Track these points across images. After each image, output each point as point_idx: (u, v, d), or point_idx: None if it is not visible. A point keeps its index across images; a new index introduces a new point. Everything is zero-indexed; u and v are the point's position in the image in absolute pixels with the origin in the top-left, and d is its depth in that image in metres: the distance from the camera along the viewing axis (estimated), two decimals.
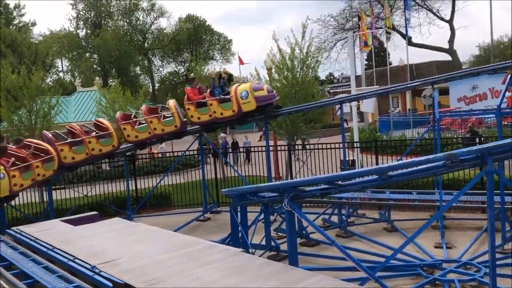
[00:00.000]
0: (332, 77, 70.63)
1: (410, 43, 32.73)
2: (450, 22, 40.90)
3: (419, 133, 22.11)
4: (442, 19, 41.70)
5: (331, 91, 47.20)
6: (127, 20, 61.80)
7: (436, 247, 9.49)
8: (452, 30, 40.65)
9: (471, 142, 14.30)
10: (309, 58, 17.35)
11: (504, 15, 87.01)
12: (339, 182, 5.89)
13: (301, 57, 17.15)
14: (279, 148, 17.57)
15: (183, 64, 64.96)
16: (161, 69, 67.28)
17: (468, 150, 4.74)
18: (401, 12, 35.14)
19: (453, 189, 11.36)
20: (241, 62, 36.75)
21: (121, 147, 13.03)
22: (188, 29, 63.19)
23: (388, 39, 26.76)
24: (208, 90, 12.65)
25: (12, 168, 10.26)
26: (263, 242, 9.19)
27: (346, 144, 14.31)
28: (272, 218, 11.17)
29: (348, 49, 20.74)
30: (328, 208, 12.07)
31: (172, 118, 12.56)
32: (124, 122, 12.68)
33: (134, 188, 15.25)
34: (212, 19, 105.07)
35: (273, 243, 9.36)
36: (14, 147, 10.87)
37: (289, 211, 5.92)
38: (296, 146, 16.14)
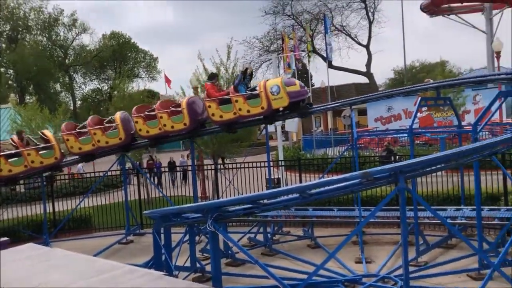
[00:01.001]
0: None
1: (330, 66, 34.26)
2: (367, 47, 43.42)
3: (340, 151, 23.00)
4: (360, 44, 44.21)
5: None
6: (47, 35, 59.14)
7: (356, 262, 9.82)
8: (369, 54, 43.14)
9: (387, 160, 15.10)
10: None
11: (415, 41, 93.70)
12: (262, 201, 5.96)
13: (227, 77, 17.32)
14: (206, 167, 17.48)
15: (106, 81, 63.12)
16: (83, 86, 64.91)
17: (381, 168, 5.00)
18: (322, 36, 36.78)
19: (372, 205, 11.88)
20: (167, 81, 36.33)
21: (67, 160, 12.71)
22: (112, 46, 61.65)
23: (309, 62, 27.89)
24: (232, 86, 11.54)
25: None
26: (188, 264, 9.03)
27: (271, 162, 14.56)
28: (198, 238, 11.03)
29: (273, 71, 21.23)
30: (254, 227, 12.14)
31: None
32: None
33: (51, 210, 14.41)
34: (138, 37, 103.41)
35: (198, 265, 9.22)
36: None
37: (212, 232, 5.88)
38: (223, 165, 16.17)
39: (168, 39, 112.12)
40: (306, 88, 11.72)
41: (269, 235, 11.65)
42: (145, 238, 13.49)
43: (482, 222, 9.14)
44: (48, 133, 12.61)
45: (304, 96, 11.28)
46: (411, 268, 8.68)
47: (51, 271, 5.71)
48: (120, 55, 62.25)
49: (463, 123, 14.49)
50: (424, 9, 36.08)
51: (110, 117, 12.82)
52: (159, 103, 12.24)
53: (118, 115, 12.39)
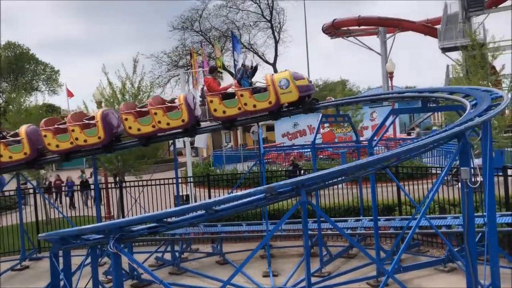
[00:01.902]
0: None
1: (239, 82, 34.76)
2: (273, 65, 44.80)
3: (249, 166, 23.33)
4: (267, 62, 45.47)
5: None
6: None
7: (264, 276, 9.96)
8: (276, 72, 44.46)
9: (293, 174, 15.59)
10: (141, 93, 17.18)
11: (318, 61, 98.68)
12: (168, 220, 5.84)
13: (133, 91, 16.90)
14: (110, 185, 16.80)
15: (0, 94, 58.51)
16: None
17: (284, 183, 5.15)
18: (231, 53, 37.32)
19: (279, 218, 12.12)
20: (69, 95, 34.53)
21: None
22: (8, 57, 57.44)
23: (218, 77, 28.17)
24: (235, 80, 10.70)
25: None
26: None
27: (179, 179, 14.34)
28: (100, 260, 10.52)
29: (181, 86, 21.08)
30: (162, 245, 11.85)
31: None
32: (126, 112, 10.88)
33: None
34: (39, 49, 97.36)
35: None
36: None
37: (114, 253, 5.64)
38: (128, 183, 15.62)
39: (72, 51, 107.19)
40: (312, 83, 11.12)
41: (177, 253, 11.43)
42: (42, 263, 12.57)
43: (379, 231, 9.74)
44: (22, 128, 11.72)
45: (312, 91, 10.77)
46: (315, 279, 9.03)
47: None
48: (17, 67, 58.13)
49: (361, 138, 15.44)
50: (325, 31, 38.18)
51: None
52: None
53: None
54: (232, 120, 10.83)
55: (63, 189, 22.38)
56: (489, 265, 6.04)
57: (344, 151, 15.90)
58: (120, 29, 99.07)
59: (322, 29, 39.72)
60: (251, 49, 45.03)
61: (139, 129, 10.75)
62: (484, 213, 6.11)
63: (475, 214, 6.19)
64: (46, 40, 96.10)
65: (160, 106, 10.59)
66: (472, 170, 5.71)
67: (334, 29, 37.21)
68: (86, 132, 10.94)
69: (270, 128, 38.72)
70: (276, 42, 44.29)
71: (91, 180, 21.90)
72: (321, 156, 25.72)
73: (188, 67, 35.95)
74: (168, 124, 10.57)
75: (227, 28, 43.72)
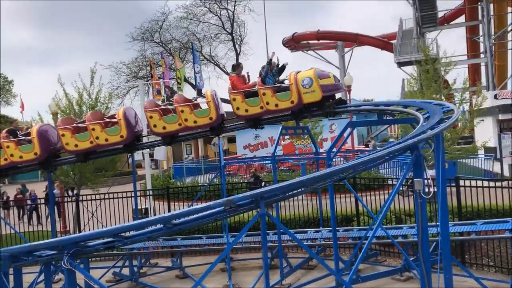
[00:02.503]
0: None
1: (200, 94, 34.62)
2: None
3: (210, 178, 23.19)
4: (228, 74, 45.50)
5: None
6: None
7: None
8: None
9: (254, 186, 15.61)
10: (99, 104, 16.85)
11: None
12: (125, 234, 5.71)
13: (90, 102, 16.56)
14: (66, 199, 16.30)
15: None
16: None
17: (243, 195, 5.14)
18: (191, 65, 37.22)
19: (240, 231, 12.10)
20: (22, 107, 33.47)
21: None
22: None
23: (179, 89, 27.99)
24: (259, 78, 10.00)
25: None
26: None
27: (138, 192, 14.09)
28: (54, 276, 10.16)
29: (140, 97, 20.81)
30: (119, 260, 11.57)
31: (206, 108, 10.33)
32: (151, 109, 10.28)
33: None
34: None
35: None
36: None
37: (68, 270, 5.46)
38: (85, 197, 15.20)
39: (28, 61, 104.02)
40: (340, 82, 10.37)
41: (135, 268, 11.18)
42: None
43: (338, 242, 9.87)
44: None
45: (338, 90, 10.13)
46: None
47: None
48: None
49: (321, 150, 15.67)
50: (286, 44, 38.75)
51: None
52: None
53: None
54: (255, 119, 10.37)
55: (27, 203, 21.36)
56: (442, 273, 6.21)
57: (304, 162, 16.05)
58: (78, 40, 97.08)
59: (283, 43, 40.29)
60: (212, 61, 45.04)
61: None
62: (437, 223, 6.30)
63: (429, 224, 6.37)
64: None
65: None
66: (425, 181, 5.89)
67: (294, 43, 37.82)
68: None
69: (232, 140, 38.72)
70: (237, 55, 44.45)
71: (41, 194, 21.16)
72: (282, 168, 25.90)
73: (148, 78, 35.58)
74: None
75: (187, 39, 43.55)
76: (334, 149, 9.79)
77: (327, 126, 28.72)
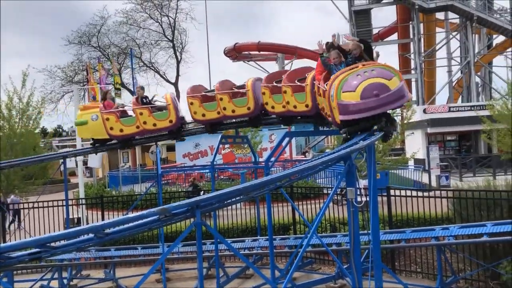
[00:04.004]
0: (61, 129, 66.84)
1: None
2: (175, 84, 44.45)
3: (147, 187, 22.71)
4: (168, 81, 45.02)
5: (59, 144, 44.48)
6: None
7: None
8: (177, 91, 44.19)
9: (192, 195, 15.44)
10: (31, 108, 16.12)
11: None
12: (53, 244, 5.44)
13: (21, 106, 15.80)
14: None
15: None
16: None
17: (178, 204, 5.05)
18: (130, 71, 36.49)
19: (175, 240, 11.90)
20: None
21: None
22: None
23: (117, 95, 27.24)
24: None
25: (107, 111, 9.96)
26: None
27: (71, 201, 13.51)
28: None
29: (74, 102, 20.06)
30: (48, 272, 11.01)
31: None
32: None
33: None
34: None
35: None
36: None
37: None
38: (12, 205, 14.41)
39: None
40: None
41: (65, 280, 10.69)
42: None
43: (275, 250, 9.97)
44: (168, 95, 10.21)
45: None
46: None
47: None
48: None
49: (260, 159, 15.80)
50: (227, 54, 38.89)
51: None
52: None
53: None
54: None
55: None
56: (373, 280, 6.43)
57: (243, 171, 16.13)
58: (10, 41, 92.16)
59: (224, 52, 40.42)
60: (152, 68, 44.38)
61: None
62: (369, 231, 6.52)
63: (361, 232, 6.58)
64: None
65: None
66: (357, 190, 6.09)
67: (236, 53, 38.02)
68: (236, 102, 9.48)
69: (171, 148, 38.16)
70: (178, 62, 44.09)
71: None
72: (222, 177, 25.87)
73: (84, 83, 34.40)
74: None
75: (127, 45, 42.63)
76: (272, 158, 9.91)
77: (266, 136, 29.07)
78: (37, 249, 5.47)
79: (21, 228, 14.01)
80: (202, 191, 16.84)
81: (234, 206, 11.34)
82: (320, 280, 9.85)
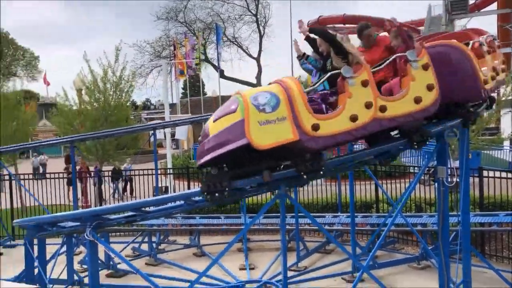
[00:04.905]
0: (149, 103, 70.27)
1: (222, 75, 34.72)
2: (257, 59, 44.73)
3: None
4: (250, 56, 45.41)
5: (147, 117, 46.92)
6: None
7: (241, 269, 9.99)
8: (259, 66, 44.51)
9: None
10: (123, 82, 17.03)
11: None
12: (146, 209, 5.81)
13: (114, 80, 16.74)
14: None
15: None
16: None
17: (260, 176, 5.13)
18: (215, 46, 37.24)
19: (257, 212, 12.16)
20: (46, 83, 33.93)
21: None
22: None
23: (200, 70, 28.03)
24: None
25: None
26: (65, 276, 8.46)
27: (160, 170, 14.26)
28: (76, 249, 10.41)
29: (163, 77, 20.93)
30: (139, 236, 11.78)
31: None
32: None
33: None
34: (18, 34, 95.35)
35: (76, 277, 8.68)
36: None
37: (91, 241, 5.59)
38: (107, 173, 15.48)
39: (52, 38, 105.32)
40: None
41: (154, 244, 11.38)
42: (17, 250, 12.36)
43: (356, 228, 9.86)
44: None
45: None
46: (291, 273, 9.10)
47: None
48: None
49: None
50: (311, 28, 38.27)
51: None
52: None
53: None
54: None
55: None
56: (461, 263, 6.17)
57: None
58: (102, 17, 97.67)
59: (307, 26, 39.76)
60: (235, 42, 44.91)
61: None
62: (458, 213, 6.23)
63: (450, 213, 6.31)
64: (25, 25, 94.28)
65: None
66: (448, 169, 5.82)
67: (320, 26, 37.30)
68: None
69: None
70: (261, 37, 44.24)
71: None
72: None
73: (171, 58, 35.70)
74: None
75: (211, 20, 43.44)
76: None
77: None
78: (132, 213, 5.88)
79: (132, 196, 14.90)
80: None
81: (314, 182, 11.36)
82: (402, 260, 9.63)
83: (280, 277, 8.81)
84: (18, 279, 7.59)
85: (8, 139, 17.26)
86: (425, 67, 5.30)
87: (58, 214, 6.07)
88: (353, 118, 4.99)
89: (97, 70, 16.58)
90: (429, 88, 5.26)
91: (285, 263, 5.34)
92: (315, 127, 4.87)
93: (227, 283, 8.71)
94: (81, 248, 11.15)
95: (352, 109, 5.00)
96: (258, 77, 44.35)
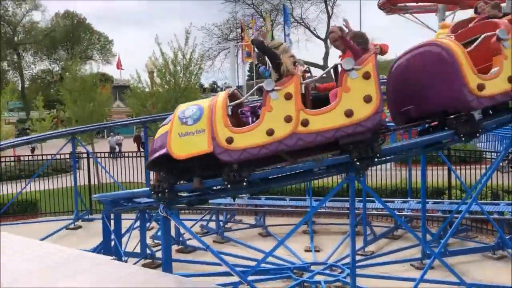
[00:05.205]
0: (215, 85, 71.42)
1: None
2: (325, 40, 43.92)
3: None
4: (318, 37, 44.69)
5: None
6: None
7: (306, 250, 10.02)
8: (327, 48, 43.67)
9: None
10: (192, 65, 17.39)
11: (371, 38, 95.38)
12: (215, 188, 5.96)
13: (184, 63, 17.13)
14: None
15: (57, 62, 60.83)
16: (32, 66, 62.24)
17: (333, 158, 5.10)
18: (281, 27, 36.98)
19: (323, 195, 12.11)
20: (118, 67, 35.33)
21: None
22: (65, 26, 59.41)
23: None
24: None
25: None
26: (138, 250, 8.92)
27: None
28: (149, 225, 10.91)
29: (230, 59, 21.14)
30: (206, 214, 12.13)
31: None
32: None
33: None
34: (93, 18, 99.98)
35: (148, 251, 9.13)
36: None
37: (164, 217, 5.83)
38: None
39: (124, 22, 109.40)
40: None
41: (221, 223, 11.67)
42: (94, 224, 13.17)
43: (427, 214, 9.54)
44: None
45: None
46: (358, 257, 8.97)
47: None
48: (74, 36, 60.05)
49: None
50: (381, 7, 36.93)
51: None
52: None
53: None
54: None
55: None
56: None
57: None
58: (173, 1, 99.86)
59: (378, 5, 38.42)
60: (303, 24, 44.34)
61: None
62: None
63: None
64: (98, 9, 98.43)
65: None
66: None
67: (391, 5, 35.88)
68: None
69: None
70: (329, 17, 43.35)
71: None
72: None
73: (238, 40, 35.92)
74: None
75: (279, 1, 43.09)
76: None
77: None
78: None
79: None
80: None
81: (382, 166, 11.09)
82: (476, 249, 9.23)
83: (345, 260, 8.76)
84: (95, 250, 8.10)
85: (85, 120, 18.27)
86: (365, 76, 4.84)
87: (135, 190, 6.38)
88: (269, 132, 4.94)
89: (168, 53, 17.04)
90: (367, 100, 4.83)
91: (354, 246, 5.28)
92: (229, 140, 4.99)
93: (292, 264, 8.78)
94: (153, 224, 11.69)
95: (270, 123, 4.96)
96: (326, 58, 43.64)
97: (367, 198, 10.08)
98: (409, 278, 7.55)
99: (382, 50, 5.67)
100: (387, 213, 10.68)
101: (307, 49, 63.19)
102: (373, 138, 5.02)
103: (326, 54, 43.91)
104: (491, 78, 4.88)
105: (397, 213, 10.45)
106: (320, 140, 4.93)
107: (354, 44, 5.16)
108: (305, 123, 4.86)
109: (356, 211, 10.67)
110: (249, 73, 46.91)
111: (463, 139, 5.17)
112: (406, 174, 11.79)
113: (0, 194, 14.08)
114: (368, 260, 9.11)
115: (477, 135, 5.19)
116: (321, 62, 43.91)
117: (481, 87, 4.75)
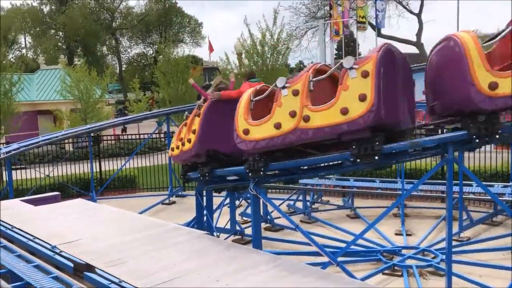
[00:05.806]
0: (302, 65, 70.94)
1: (379, 34, 33.15)
2: (418, 15, 41.59)
3: None
4: (411, 12, 42.37)
5: None
6: None
7: (396, 234, 9.75)
8: (420, 23, 41.36)
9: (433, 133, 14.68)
10: (280, 45, 17.41)
11: (469, 13, 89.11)
12: (305, 168, 5.97)
13: (272, 43, 17.19)
14: None
15: (151, 45, 63.87)
16: (128, 50, 65.96)
17: (430, 139, 4.87)
18: (372, 4, 35.61)
19: (415, 178, 11.66)
20: (210, 50, 36.14)
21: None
22: (158, 10, 62.03)
23: (360, 28, 27.11)
24: None
25: None
26: (228, 227, 9.24)
27: None
28: (238, 203, 11.23)
29: (319, 38, 20.81)
30: (293, 194, 12.21)
31: None
32: None
33: (98, 170, 14.98)
34: (182, 1, 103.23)
35: (238, 228, 9.42)
36: None
37: (254, 195, 5.96)
38: None
39: (212, 4, 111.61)
40: None
41: (308, 203, 11.70)
42: (186, 199, 13.84)
43: None
44: None
45: None
46: (454, 243, 8.56)
47: (98, 225, 6.00)
48: (166, 20, 62.55)
49: None
50: None
51: None
52: None
53: None
54: None
55: None
56: None
57: None
58: None
59: None
60: None
61: None
62: None
63: None
64: None
65: None
66: None
67: None
68: None
69: None
70: None
71: None
72: None
73: (327, 18, 35.15)
74: None
75: None
76: None
77: None
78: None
79: None
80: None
81: (482, 149, 10.38)
82: None
83: (439, 245, 8.41)
84: (188, 225, 8.53)
85: (178, 100, 19.10)
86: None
87: (226, 169, 6.55)
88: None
89: (256, 33, 17.18)
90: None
91: (451, 231, 5.04)
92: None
93: (383, 247, 8.59)
94: (242, 202, 12.01)
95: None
96: (419, 34, 41.37)
97: (463, 182, 9.53)
98: (509, 267, 7.06)
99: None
100: (485, 197, 10.05)
101: (398, 25, 60.46)
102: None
103: (420, 30, 41.62)
104: (321, 110, 4.99)
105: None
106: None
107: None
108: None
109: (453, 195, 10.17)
110: (336, 52, 45.93)
111: (477, 141, 4.77)
112: (509, 157, 10.96)
113: (102, 170, 15.23)
114: (464, 246, 8.66)
115: (497, 137, 4.72)
116: (414, 39, 41.78)
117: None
